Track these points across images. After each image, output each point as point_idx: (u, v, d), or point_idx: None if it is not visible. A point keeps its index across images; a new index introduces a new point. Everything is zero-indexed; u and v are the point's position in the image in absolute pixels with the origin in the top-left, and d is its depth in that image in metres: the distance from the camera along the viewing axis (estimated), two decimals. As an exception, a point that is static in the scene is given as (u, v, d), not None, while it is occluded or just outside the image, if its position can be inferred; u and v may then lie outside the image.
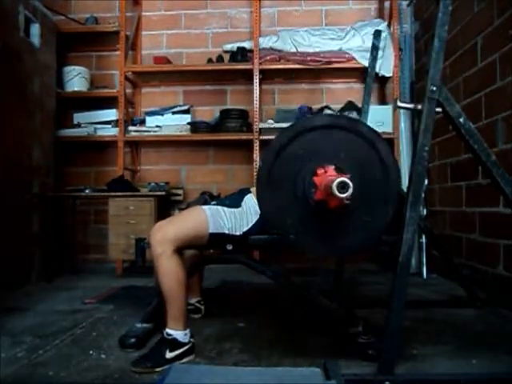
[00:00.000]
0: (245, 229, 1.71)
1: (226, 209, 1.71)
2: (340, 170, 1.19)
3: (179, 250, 1.59)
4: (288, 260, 3.52)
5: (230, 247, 1.74)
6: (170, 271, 1.55)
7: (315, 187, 1.21)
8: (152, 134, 3.55)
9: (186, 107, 3.67)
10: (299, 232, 1.29)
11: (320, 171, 1.20)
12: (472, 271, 2.59)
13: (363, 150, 1.27)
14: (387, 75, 3.40)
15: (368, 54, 2.61)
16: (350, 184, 1.04)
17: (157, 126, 3.56)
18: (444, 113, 1.40)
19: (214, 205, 1.75)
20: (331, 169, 1.17)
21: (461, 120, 1.42)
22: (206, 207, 1.71)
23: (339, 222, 1.29)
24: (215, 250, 1.90)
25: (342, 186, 1.04)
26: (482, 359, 1.52)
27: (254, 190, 1.87)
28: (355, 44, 3.41)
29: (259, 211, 1.74)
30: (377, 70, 2.94)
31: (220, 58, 3.64)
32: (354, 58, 3.35)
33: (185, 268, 1.60)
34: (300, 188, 1.27)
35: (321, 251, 1.29)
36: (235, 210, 1.72)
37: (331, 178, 1.13)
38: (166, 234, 1.57)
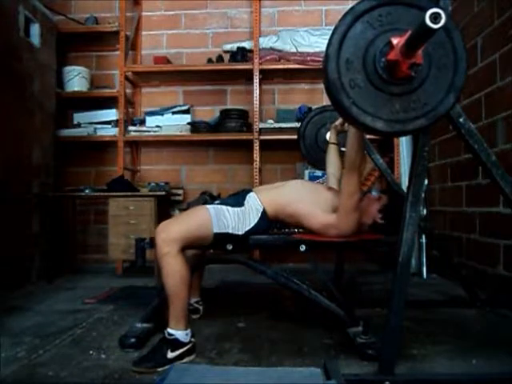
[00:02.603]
0: (247, 228, 1.72)
1: (229, 208, 1.72)
2: None
3: (183, 250, 1.59)
4: (288, 260, 3.53)
5: (230, 247, 1.74)
6: (174, 271, 1.55)
7: (391, 47, 1.22)
8: (152, 134, 3.55)
9: (186, 107, 3.67)
10: (359, 102, 1.27)
11: (396, 39, 1.21)
12: (472, 271, 2.59)
13: (439, 35, 1.25)
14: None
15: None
16: (443, 15, 1.03)
17: (157, 126, 3.56)
18: (444, 113, 1.40)
19: (217, 204, 1.75)
20: (409, 32, 1.16)
21: (461, 120, 1.42)
22: (210, 206, 1.71)
23: (401, 97, 1.28)
24: (216, 249, 1.90)
25: (435, 17, 1.03)
26: (481, 359, 1.52)
27: (256, 189, 1.89)
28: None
29: (261, 210, 1.76)
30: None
31: (220, 58, 3.64)
32: (354, 58, 3.35)
33: (189, 268, 1.60)
34: (370, 55, 1.26)
35: (377, 124, 1.26)
36: (238, 209, 1.73)
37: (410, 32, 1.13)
38: (171, 234, 1.57)
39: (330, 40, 1.27)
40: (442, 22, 1.04)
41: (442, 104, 1.29)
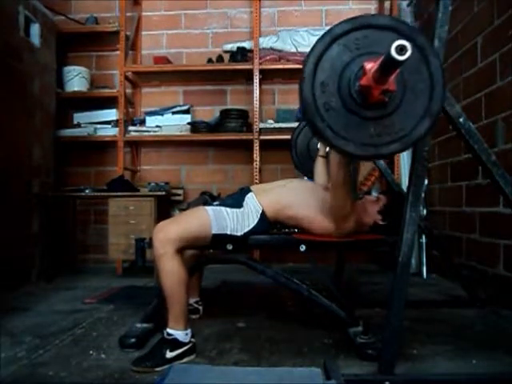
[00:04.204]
0: (246, 229, 1.72)
1: (228, 209, 1.72)
2: None
3: (181, 250, 1.59)
4: (288, 260, 3.53)
5: (230, 247, 1.74)
6: (172, 271, 1.55)
7: (363, 72, 1.20)
8: (152, 134, 3.55)
9: (186, 107, 3.67)
10: (333, 125, 1.25)
11: (369, 64, 1.19)
12: (472, 271, 2.59)
13: (415, 60, 1.23)
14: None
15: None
16: (409, 47, 1.03)
17: (157, 126, 3.56)
18: (444, 113, 1.40)
19: (216, 205, 1.75)
20: (381, 58, 1.14)
21: (461, 120, 1.42)
22: (209, 208, 1.71)
23: (375, 121, 1.26)
24: (215, 250, 1.90)
25: (401, 48, 1.03)
26: (481, 359, 1.52)
27: (254, 188, 1.88)
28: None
29: (260, 211, 1.76)
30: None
31: (220, 58, 3.64)
32: (354, 58, 3.36)
33: (186, 268, 1.60)
34: (345, 78, 1.24)
35: (349, 148, 1.25)
36: (237, 210, 1.73)
37: (382, 59, 1.12)
38: (169, 234, 1.57)
39: (306, 61, 1.25)
40: (408, 54, 1.03)
41: (416, 129, 1.26)
